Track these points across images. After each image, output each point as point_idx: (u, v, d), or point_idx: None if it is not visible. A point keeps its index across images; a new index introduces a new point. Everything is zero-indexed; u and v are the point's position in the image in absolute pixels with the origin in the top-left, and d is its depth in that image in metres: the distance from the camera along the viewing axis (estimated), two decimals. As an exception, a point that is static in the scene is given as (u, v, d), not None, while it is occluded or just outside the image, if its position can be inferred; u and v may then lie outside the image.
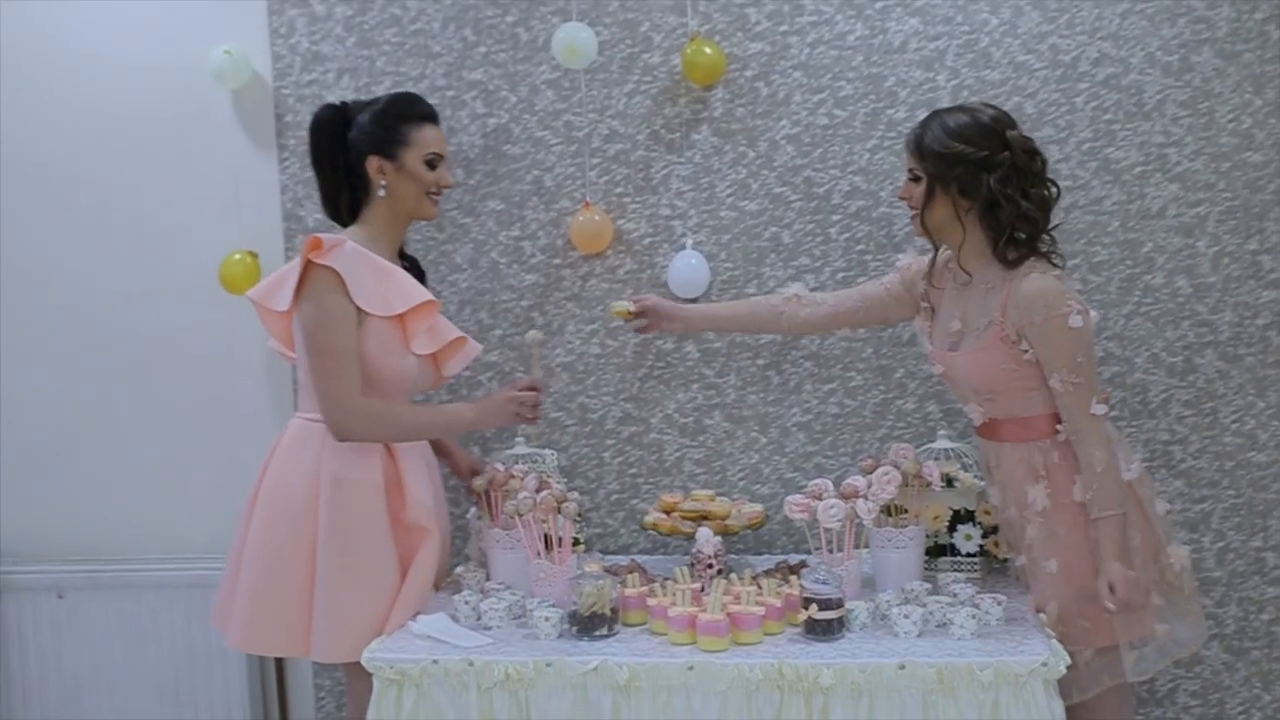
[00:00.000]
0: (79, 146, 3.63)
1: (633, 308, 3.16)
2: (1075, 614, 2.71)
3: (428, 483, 2.98)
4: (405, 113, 2.95)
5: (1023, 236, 2.70)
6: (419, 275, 3.10)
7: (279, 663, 3.69)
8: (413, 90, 3.43)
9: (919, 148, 2.75)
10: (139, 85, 3.59)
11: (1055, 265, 2.73)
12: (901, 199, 2.86)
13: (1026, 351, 2.67)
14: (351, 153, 2.94)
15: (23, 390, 3.73)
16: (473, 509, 3.28)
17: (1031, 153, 2.74)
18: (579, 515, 3.37)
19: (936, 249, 2.89)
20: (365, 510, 2.85)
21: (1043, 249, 2.74)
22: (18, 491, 3.75)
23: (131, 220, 3.63)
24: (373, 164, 2.92)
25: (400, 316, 2.88)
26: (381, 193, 2.94)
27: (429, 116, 2.98)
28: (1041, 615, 2.72)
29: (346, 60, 3.50)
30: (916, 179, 2.78)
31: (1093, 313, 2.74)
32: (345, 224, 3.00)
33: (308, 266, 2.81)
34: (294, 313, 2.89)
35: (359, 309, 2.81)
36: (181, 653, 3.61)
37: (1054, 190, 2.78)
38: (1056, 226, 2.81)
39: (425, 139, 2.95)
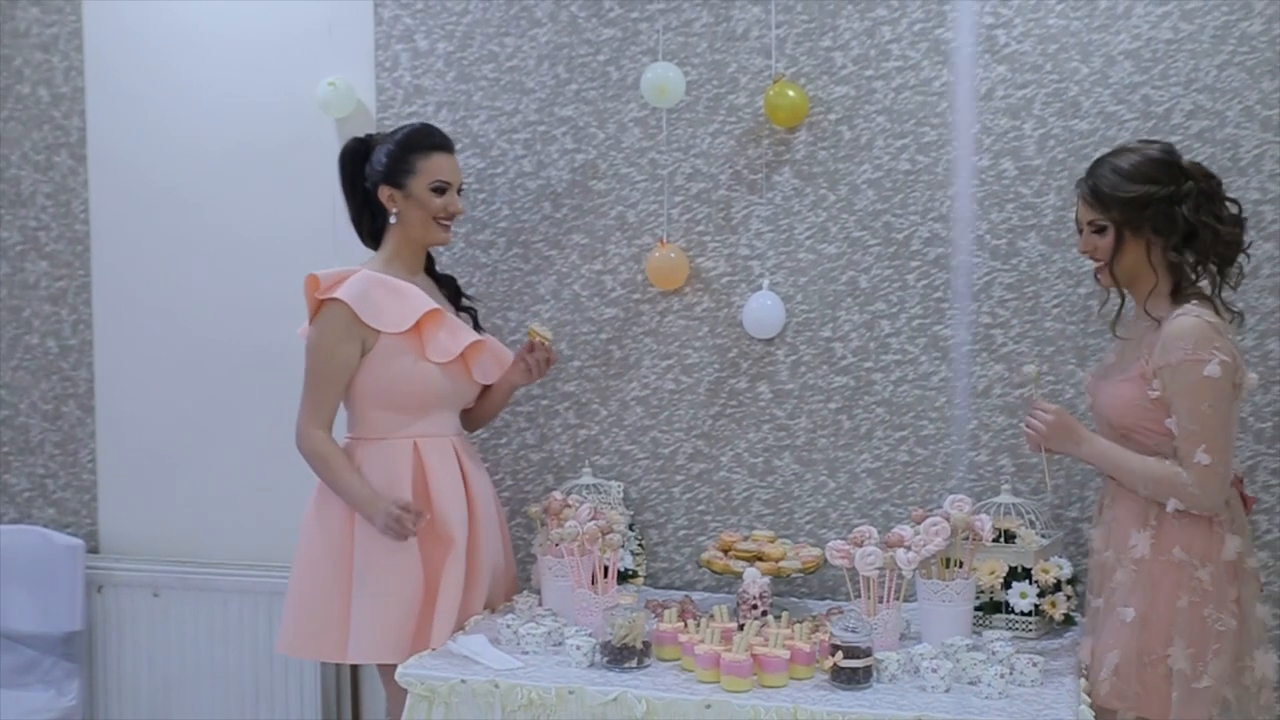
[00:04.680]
0: (192, 169, 3.86)
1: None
2: (1132, 673, 2.61)
3: (458, 495, 3.08)
4: (416, 144, 3.11)
5: (1215, 265, 2.65)
6: (454, 291, 3.29)
7: (353, 670, 3.80)
8: (506, 124, 3.56)
9: (1098, 198, 2.68)
10: (253, 113, 3.79)
11: (1219, 313, 2.63)
12: (1083, 253, 2.79)
13: (1156, 391, 2.60)
14: (368, 182, 3.15)
15: (129, 398, 3.96)
16: (537, 535, 3.34)
17: (1209, 175, 2.68)
18: (642, 548, 3.42)
19: (1123, 299, 2.79)
20: None
21: (1230, 281, 2.67)
22: (121, 492, 3.98)
23: (236, 239, 3.83)
24: (383, 193, 3.12)
25: (417, 330, 3.03)
26: (393, 219, 3.12)
27: (439, 146, 3.14)
28: (1083, 680, 2.64)
29: (446, 94, 3.63)
30: (1100, 229, 2.70)
31: (1252, 375, 2.64)
32: (372, 247, 3.21)
33: (315, 302, 3.04)
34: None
35: (373, 330, 3.00)
36: (261, 656, 3.75)
37: (1237, 206, 2.70)
38: (1250, 245, 2.74)
39: (432, 167, 3.10)
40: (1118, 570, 2.67)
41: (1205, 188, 2.64)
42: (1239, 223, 2.67)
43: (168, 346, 3.92)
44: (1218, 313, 2.62)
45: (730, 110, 3.44)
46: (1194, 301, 2.62)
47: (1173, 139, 3.15)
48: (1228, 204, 2.68)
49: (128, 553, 3.95)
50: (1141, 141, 2.76)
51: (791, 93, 3.33)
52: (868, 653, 2.61)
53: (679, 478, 3.53)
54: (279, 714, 3.74)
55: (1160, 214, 2.63)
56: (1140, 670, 2.60)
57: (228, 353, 3.86)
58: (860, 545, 2.83)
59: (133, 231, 3.93)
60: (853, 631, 2.62)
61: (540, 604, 3.12)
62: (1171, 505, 2.58)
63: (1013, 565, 2.99)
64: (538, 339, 3.18)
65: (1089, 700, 2.53)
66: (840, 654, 2.59)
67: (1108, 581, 2.71)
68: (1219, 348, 2.54)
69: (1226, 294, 2.69)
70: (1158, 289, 2.67)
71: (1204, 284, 2.69)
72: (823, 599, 3.37)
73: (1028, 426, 2.79)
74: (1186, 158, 3.08)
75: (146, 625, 3.85)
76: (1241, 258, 2.69)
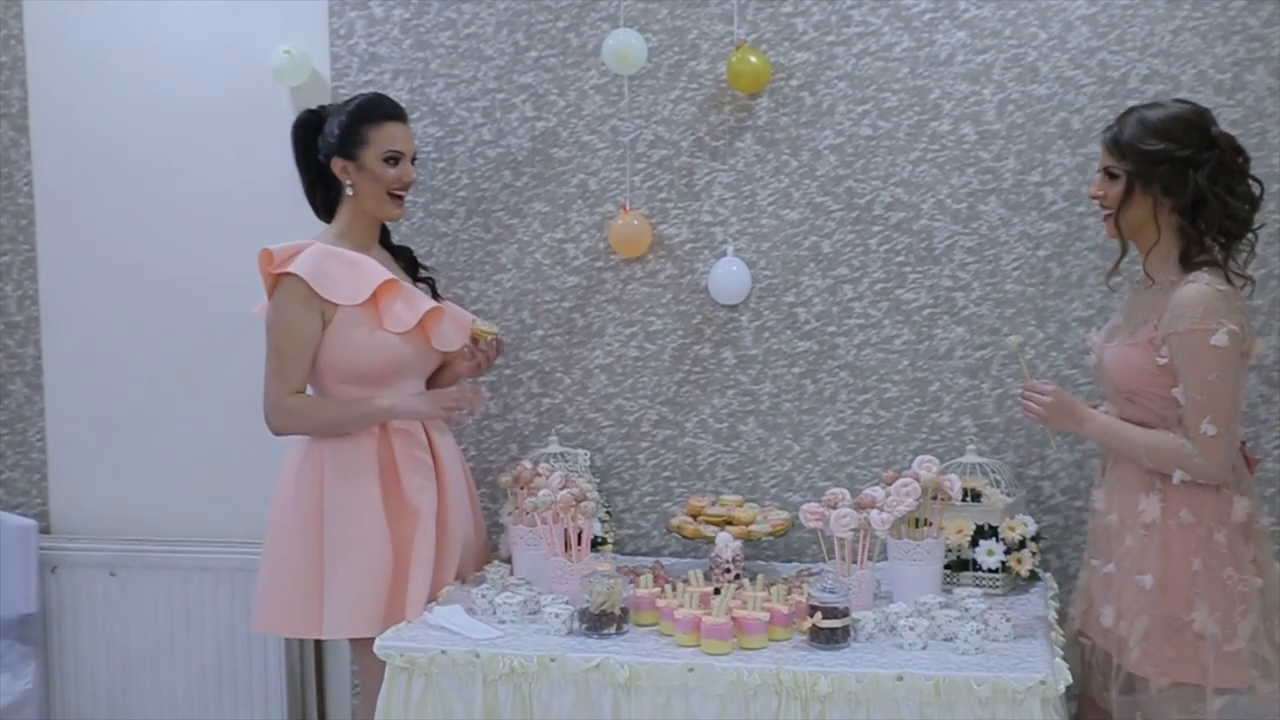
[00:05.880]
0: (142, 140, 3.78)
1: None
2: (1162, 640, 2.59)
3: (425, 466, 3.07)
4: (367, 114, 3.08)
5: (1221, 240, 2.63)
6: (411, 262, 3.27)
7: (317, 648, 3.78)
8: (465, 92, 3.54)
9: (1117, 145, 2.66)
10: (205, 81, 3.73)
11: (1230, 280, 2.61)
12: (1093, 197, 2.76)
13: (1164, 359, 2.58)
14: (321, 154, 3.12)
15: (78, 374, 3.89)
16: (505, 505, 3.33)
17: (1237, 150, 2.65)
18: (609, 515, 3.42)
19: (1125, 251, 2.78)
20: (361, 492, 2.99)
21: (1236, 256, 2.65)
22: (72, 471, 3.91)
23: (189, 211, 3.77)
24: (336, 164, 3.09)
25: (373, 301, 3.01)
26: (349, 191, 3.09)
27: (391, 115, 3.10)
28: (1055, 632, 2.70)
29: (402, 62, 3.59)
30: (1113, 176, 2.68)
31: (1260, 342, 2.66)
32: (326, 220, 3.18)
33: (271, 277, 3.00)
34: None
35: (330, 303, 2.98)
36: (224, 634, 3.72)
37: (1259, 187, 2.68)
38: (1262, 227, 2.71)
39: (384, 137, 3.06)
40: (1127, 535, 2.66)
41: (1226, 160, 2.61)
42: (1253, 202, 2.64)
43: (117, 321, 3.85)
44: (1229, 280, 2.60)
45: (692, 77, 3.44)
46: (1205, 269, 2.60)
47: (1129, 103, 3.18)
48: (1249, 181, 2.65)
49: (81, 532, 3.89)
50: (1177, 100, 2.75)
51: (754, 59, 3.33)
52: (845, 613, 2.64)
53: (644, 444, 3.54)
54: (243, 692, 3.72)
55: (1173, 174, 2.60)
56: (1170, 635, 2.58)
57: (180, 326, 3.80)
58: (834, 507, 2.86)
59: (79, 205, 3.84)
60: (830, 592, 2.65)
61: (512, 573, 3.12)
62: (1178, 477, 2.57)
63: (979, 524, 3.04)
64: (489, 337, 3.18)
65: (1062, 654, 2.58)
66: (819, 614, 2.62)
67: (1114, 545, 2.70)
68: (1226, 317, 2.52)
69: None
70: (1161, 249, 2.66)
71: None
72: (788, 561, 3.41)
73: (1026, 409, 2.80)
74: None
75: (103, 605, 3.80)
76: (1251, 237, 2.67)
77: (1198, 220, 2.62)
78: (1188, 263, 2.62)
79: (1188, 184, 2.60)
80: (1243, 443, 2.71)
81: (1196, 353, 2.54)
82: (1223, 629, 2.55)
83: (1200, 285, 2.56)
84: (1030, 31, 3.26)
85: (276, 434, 3.04)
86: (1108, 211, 2.72)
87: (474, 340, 3.18)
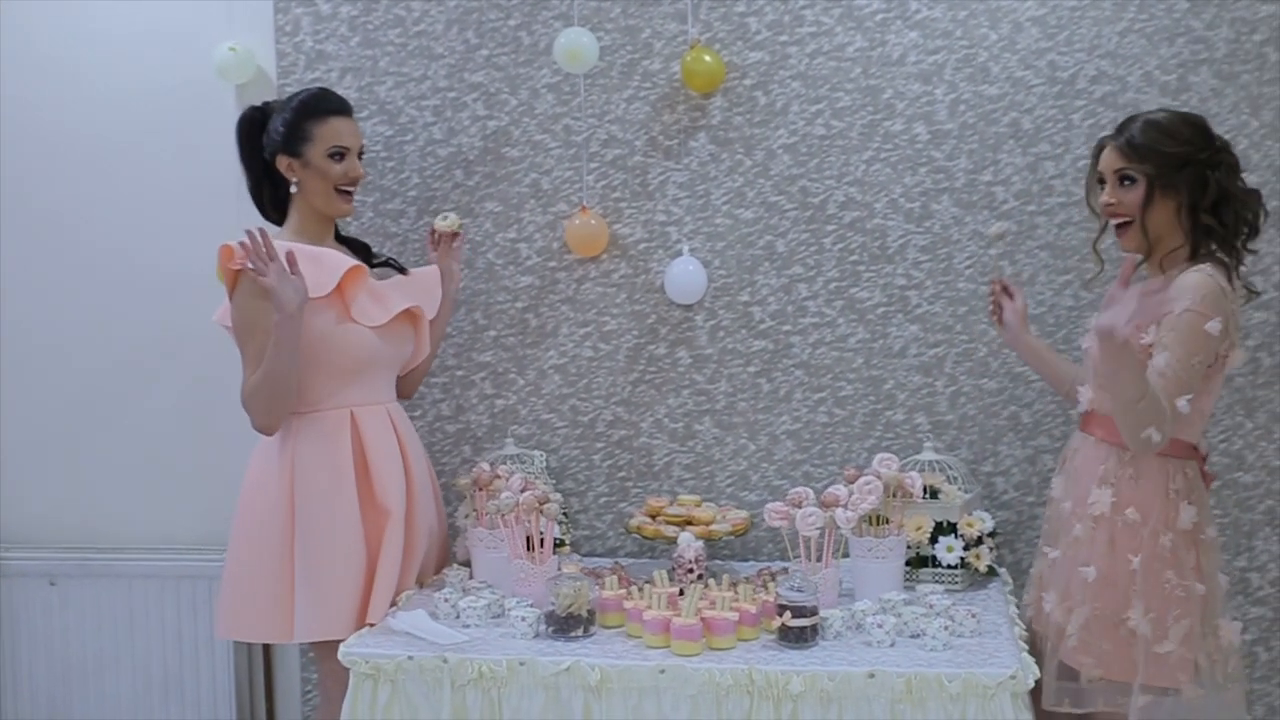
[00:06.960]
0: (85, 140, 3.70)
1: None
2: (1099, 632, 2.61)
3: (395, 466, 3.03)
4: (312, 109, 3.03)
5: (1228, 242, 2.63)
6: (367, 256, 3.21)
7: (266, 654, 3.72)
8: (414, 90, 3.50)
9: (1133, 150, 2.63)
10: (146, 79, 3.65)
11: (1231, 280, 2.61)
12: (1106, 205, 2.70)
13: (1147, 338, 2.54)
14: (266, 151, 3.06)
15: (16, 378, 3.79)
16: (461, 507, 3.31)
17: (1231, 150, 2.68)
18: (565, 517, 3.40)
19: (1147, 255, 2.73)
20: (334, 492, 2.93)
21: (1242, 257, 2.65)
22: (13, 478, 3.81)
23: (137, 209, 3.69)
24: (282, 162, 3.03)
25: (339, 292, 2.97)
26: (294, 189, 3.04)
27: (336, 110, 3.05)
28: (1018, 627, 2.73)
29: (350, 60, 3.53)
30: (1129, 180, 2.64)
31: (1239, 352, 2.65)
32: (276, 220, 3.11)
33: (230, 274, 2.93)
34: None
35: None
36: (170, 642, 3.65)
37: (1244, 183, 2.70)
38: (1260, 220, 2.70)
39: (329, 133, 3.01)
40: (1076, 524, 2.68)
41: (1230, 160, 2.65)
42: (1259, 196, 2.67)
43: (59, 321, 3.76)
44: (1229, 280, 2.60)
45: (645, 76, 3.43)
46: (1209, 264, 2.60)
47: (1078, 103, 3.27)
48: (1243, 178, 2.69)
49: (20, 541, 3.78)
50: (1162, 109, 2.75)
51: (708, 58, 3.33)
52: (814, 611, 2.65)
53: (599, 445, 3.52)
54: (190, 701, 3.64)
55: (1195, 176, 2.61)
56: (1107, 629, 2.60)
57: (125, 326, 3.72)
58: (799, 506, 2.87)
59: (19, 203, 3.74)
60: (799, 591, 2.66)
61: (471, 576, 3.09)
62: (1157, 437, 2.47)
63: (938, 520, 3.07)
64: (458, 226, 3.26)
65: (1027, 648, 2.61)
66: (788, 614, 2.63)
67: (1065, 533, 2.73)
68: (1222, 311, 2.52)
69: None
70: (1179, 252, 2.65)
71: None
72: (745, 560, 3.42)
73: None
74: (1088, 122, 3.19)
75: (43, 615, 3.70)
76: (1245, 231, 2.67)
77: (1221, 219, 2.62)
78: (1196, 259, 2.62)
79: (1209, 184, 2.61)
80: (1204, 457, 2.73)
81: (1189, 332, 2.51)
82: (1155, 630, 2.57)
83: (1203, 275, 2.56)
84: (981, 32, 3.30)
85: (266, 429, 2.92)
86: (1127, 219, 2.68)
87: (435, 242, 3.27)
